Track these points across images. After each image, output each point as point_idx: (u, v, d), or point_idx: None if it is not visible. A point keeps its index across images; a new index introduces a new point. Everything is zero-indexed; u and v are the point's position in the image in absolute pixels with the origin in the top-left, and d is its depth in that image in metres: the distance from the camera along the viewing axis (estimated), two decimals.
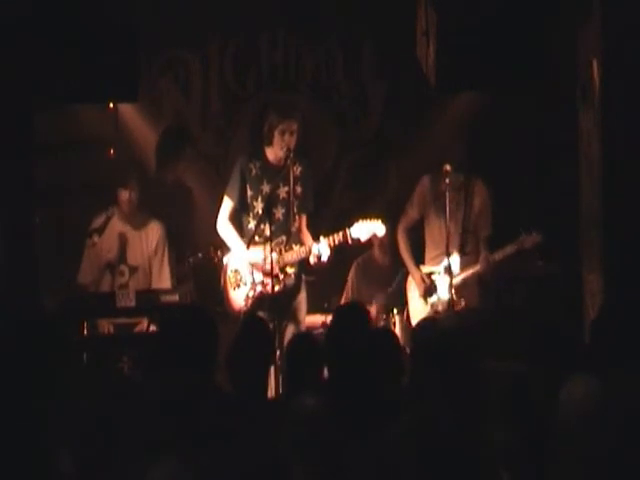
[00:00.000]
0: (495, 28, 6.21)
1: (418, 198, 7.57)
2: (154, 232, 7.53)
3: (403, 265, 7.66)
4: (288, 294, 7.04)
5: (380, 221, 6.95)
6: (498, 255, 7.33)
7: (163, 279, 7.50)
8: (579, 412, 3.35)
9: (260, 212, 6.96)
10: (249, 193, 7.08)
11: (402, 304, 7.59)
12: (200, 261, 7.57)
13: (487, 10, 6.22)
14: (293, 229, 7.07)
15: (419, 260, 7.61)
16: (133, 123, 8.26)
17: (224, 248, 7.18)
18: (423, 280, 7.49)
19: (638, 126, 6.26)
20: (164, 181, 8.18)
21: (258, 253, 6.97)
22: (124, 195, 7.42)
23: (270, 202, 6.92)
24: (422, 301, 7.51)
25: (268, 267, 6.83)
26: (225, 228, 7.14)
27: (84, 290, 7.38)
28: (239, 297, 7.09)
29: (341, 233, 6.89)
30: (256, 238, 6.99)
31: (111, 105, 8.01)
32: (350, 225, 6.91)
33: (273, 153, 7.04)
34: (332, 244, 6.88)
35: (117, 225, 7.44)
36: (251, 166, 7.09)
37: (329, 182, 8.45)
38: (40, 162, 7.02)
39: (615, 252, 6.36)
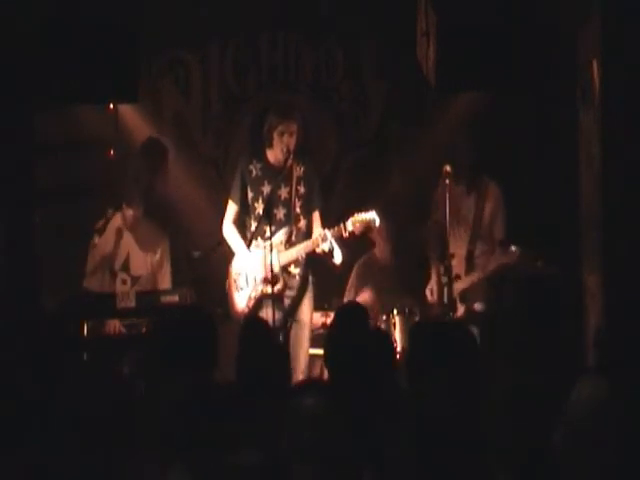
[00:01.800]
0: (495, 28, 6.20)
1: (435, 199, 7.51)
2: (159, 245, 7.62)
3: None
4: (292, 294, 7.04)
5: (374, 211, 6.95)
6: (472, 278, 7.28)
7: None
8: (586, 413, 3.35)
9: (261, 213, 6.96)
10: (250, 195, 7.08)
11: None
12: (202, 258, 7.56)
13: (487, 10, 6.22)
14: (296, 230, 7.06)
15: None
16: (133, 124, 8.26)
17: (225, 245, 7.18)
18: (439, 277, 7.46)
19: (638, 126, 6.25)
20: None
21: (260, 254, 6.97)
22: (128, 212, 7.48)
23: (270, 203, 6.92)
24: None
25: (269, 267, 6.84)
26: (230, 232, 7.14)
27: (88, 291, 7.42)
28: (242, 299, 7.08)
29: (336, 228, 6.90)
30: (259, 240, 6.99)
31: (111, 106, 8.01)
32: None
33: (273, 155, 7.03)
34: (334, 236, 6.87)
35: (116, 223, 7.48)
36: (252, 167, 7.09)
37: (329, 182, 8.43)
38: (40, 162, 7.02)
39: (615, 252, 6.35)
